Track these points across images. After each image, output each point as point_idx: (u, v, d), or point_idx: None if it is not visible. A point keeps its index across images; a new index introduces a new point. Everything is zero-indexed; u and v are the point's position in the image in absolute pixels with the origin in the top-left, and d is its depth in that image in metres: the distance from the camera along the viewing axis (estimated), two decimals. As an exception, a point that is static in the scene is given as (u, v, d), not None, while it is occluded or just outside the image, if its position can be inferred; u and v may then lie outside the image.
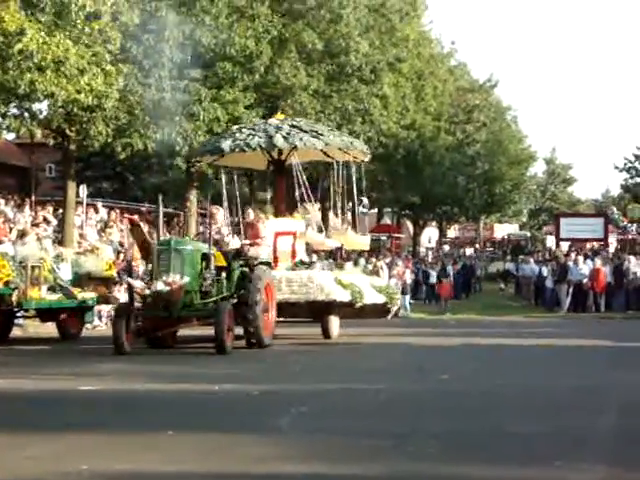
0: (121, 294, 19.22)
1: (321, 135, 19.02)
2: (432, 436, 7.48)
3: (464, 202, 53.49)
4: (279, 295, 16.73)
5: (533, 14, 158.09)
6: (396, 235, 55.71)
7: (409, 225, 61.17)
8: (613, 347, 17.96)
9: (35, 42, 19.69)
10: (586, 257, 35.29)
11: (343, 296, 17.40)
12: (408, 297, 33.11)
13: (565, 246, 42.15)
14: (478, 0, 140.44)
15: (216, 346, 14.45)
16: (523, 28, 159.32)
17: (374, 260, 32.99)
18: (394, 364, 14.26)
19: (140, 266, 20.92)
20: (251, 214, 18.24)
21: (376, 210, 57.09)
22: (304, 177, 18.95)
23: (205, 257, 15.30)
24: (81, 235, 24.15)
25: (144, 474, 6.33)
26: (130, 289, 15.21)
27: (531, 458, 6.69)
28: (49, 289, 17.17)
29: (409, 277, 34.66)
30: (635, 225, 58.89)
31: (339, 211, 20.72)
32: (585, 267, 33.35)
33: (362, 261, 31.96)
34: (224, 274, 15.49)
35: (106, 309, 21.29)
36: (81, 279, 18.15)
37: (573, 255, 35.75)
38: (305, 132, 18.87)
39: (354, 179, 19.83)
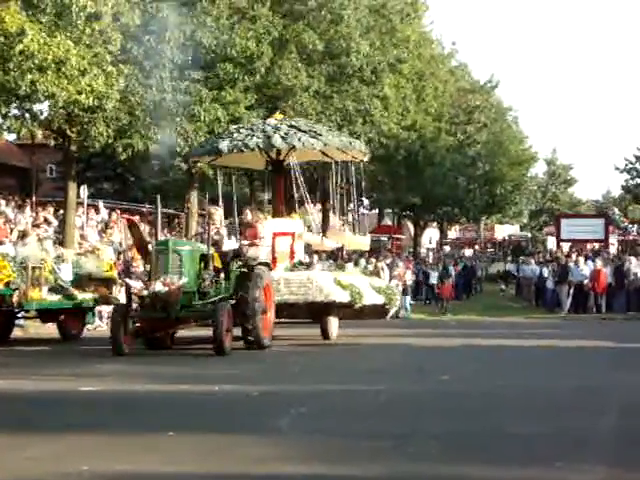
0: (121, 295, 19.20)
1: (320, 135, 18.93)
2: (432, 437, 7.47)
3: (465, 203, 53.48)
4: (278, 296, 16.67)
5: (534, 15, 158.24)
6: (397, 236, 55.70)
7: (410, 226, 61.16)
8: (614, 348, 17.95)
9: (36, 43, 19.70)
10: (587, 258, 35.28)
11: (342, 297, 17.36)
12: (409, 298, 33.13)
13: (566, 247, 42.15)
14: (479, 1, 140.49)
15: (215, 347, 14.40)
16: (524, 29, 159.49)
17: (374, 261, 32.98)
18: (394, 365, 14.25)
19: (141, 267, 20.91)
20: (249, 214, 18.17)
21: (377, 211, 57.11)
22: (301, 178, 18.88)
23: (204, 258, 15.26)
24: (82, 236, 24.17)
25: (144, 475, 6.33)
26: (128, 290, 15.11)
27: (532, 459, 6.68)
28: (50, 290, 17.18)
29: (410, 278, 34.65)
30: (636, 226, 58.95)
31: (338, 212, 20.71)
32: (586, 268, 33.34)
33: (363, 262, 31.98)
34: (223, 275, 15.46)
35: (107, 310, 21.28)
36: (82, 280, 18.15)
37: (574, 256, 35.74)
38: (304, 132, 18.77)
39: (353, 179, 19.80)
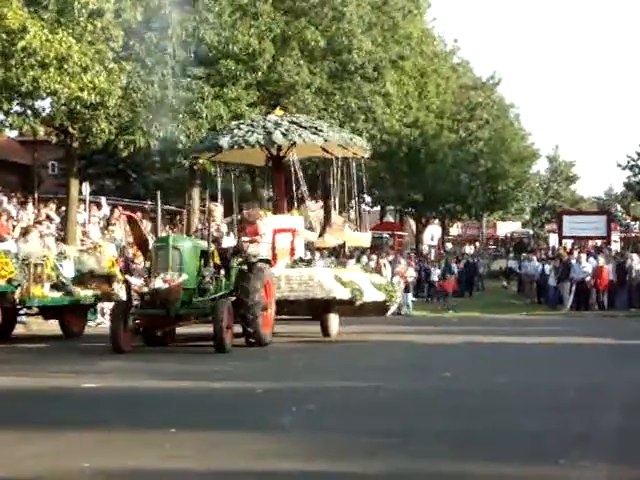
0: (123, 292, 19.19)
1: (320, 131, 18.81)
2: (433, 434, 7.47)
3: (467, 200, 53.46)
4: (278, 293, 16.62)
5: (536, 12, 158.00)
6: (399, 233, 55.69)
7: (412, 223, 61.14)
8: (616, 345, 17.95)
9: (38, 39, 19.67)
10: (589, 255, 35.27)
11: (343, 294, 17.28)
12: (410, 295, 33.12)
13: (568, 244, 42.14)
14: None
15: (215, 344, 14.36)
16: (526, 26, 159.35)
17: (374, 257, 32.97)
18: (396, 362, 14.25)
19: (142, 263, 20.89)
20: (246, 213, 18.04)
21: (379, 208, 57.09)
22: (300, 174, 18.81)
23: (204, 254, 15.23)
24: (84, 233, 24.16)
25: (145, 471, 6.32)
26: (128, 287, 15.05)
27: (534, 456, 6.67)
28: (52, 287, 17.17)
29: (412, 275, 34.64)
30: (638, 223, 58.92)
31: (339, 209, 20.65)
32: (588, 265, 33.34)
33: (365, 259, 31.96)
34: (223, 271, 15.44)
35: (109, 307, 21.27)
36: (84, 277, 18.13)
37: (576, 253, 35.72)
38: (304, 128, 18.67)
39: (354, 175, 19.74)
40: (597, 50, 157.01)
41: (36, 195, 33.75)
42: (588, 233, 42.58)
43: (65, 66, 20.28)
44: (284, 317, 17.76)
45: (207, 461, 6.53)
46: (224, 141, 18.64)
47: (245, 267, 15.66)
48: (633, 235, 54.69)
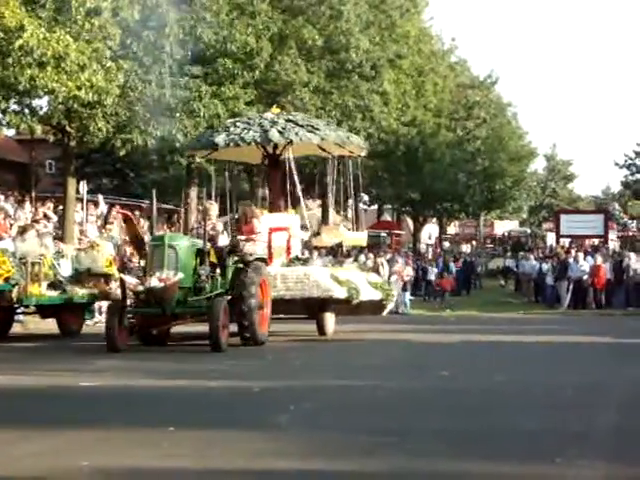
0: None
1: (317, 129, 18.77)
2: (431, 433, 7.48)
3: (464, 199, 53.41)
4: (274, 292, 16.55)
5: (534, 10, 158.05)
6: (396, 232, 55.63)
7: (409, 222, 61.13)
8: (613, 344, 17.96)
9: (35, 38, 19.67)
10: (586, 254, 35.30)
11: (339, 293, 17.23)
12: (408, 294, 33.12)
13: (565, 243, 42.16)
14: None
15: (211, 343, 14.32)
16: (524, 25, 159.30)
17: (371, 256, 32.96)
18: (393, 361, 14.25)
19: (138, 262, 20.86)
20: (243, 208, 17.99)
21: (376, 207, 57.07)
22: (295, 172, 18.77)
23: (200, 253, 15.19)
24: (81, 231, 24.12)
25: (143, 469, 6.33)
26: (123, 285, 14.97)
27: (531, 455, 6.68)
28: (49, 285, 17.16)
29: (409, 274, 34.63)
30: (635, 221, 58.95)
31: (337, 207, 20.65)
32: (585, 264, 33.37)
33: (362, 258, 31.95)
34: (219, 270, 15.40)
35: (106, 305, 21.25)
36: (81, 275, 18.12)
37: (573, 252, 35.74)
38: (301, 126, 18.61)
39: (351, 174, 19.71)
40: (595, 49, 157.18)
41: (33, 194, 33.75)
42: (585, 232, 42.62)
43: (62, 65, 20.29)
44: (280, 316, 17.71)
45: (204, 460, 6.53)
46: (220, 139, 18.59)
47: (241, 266, 15.60)
48: (630, 234, 54.69)
